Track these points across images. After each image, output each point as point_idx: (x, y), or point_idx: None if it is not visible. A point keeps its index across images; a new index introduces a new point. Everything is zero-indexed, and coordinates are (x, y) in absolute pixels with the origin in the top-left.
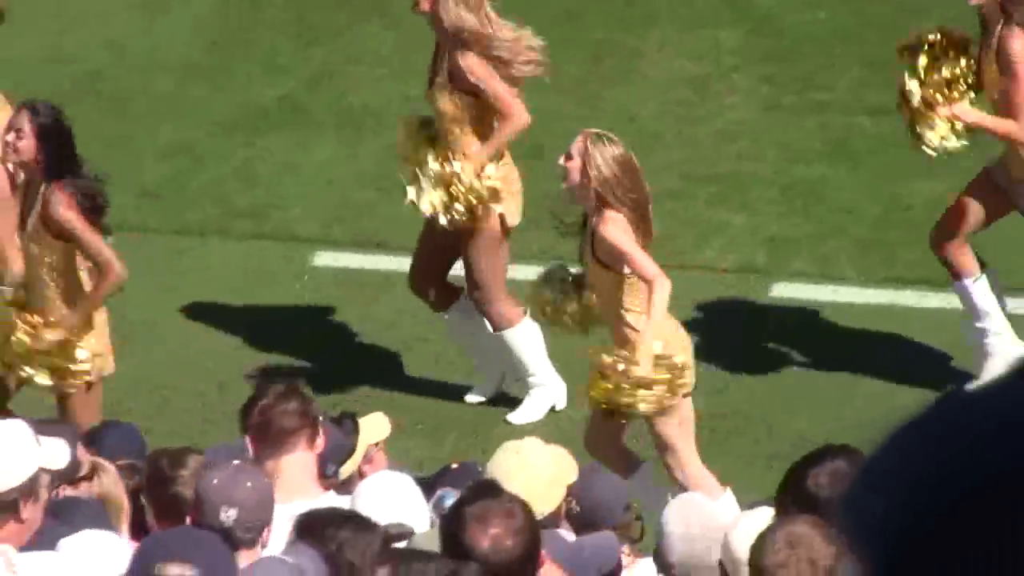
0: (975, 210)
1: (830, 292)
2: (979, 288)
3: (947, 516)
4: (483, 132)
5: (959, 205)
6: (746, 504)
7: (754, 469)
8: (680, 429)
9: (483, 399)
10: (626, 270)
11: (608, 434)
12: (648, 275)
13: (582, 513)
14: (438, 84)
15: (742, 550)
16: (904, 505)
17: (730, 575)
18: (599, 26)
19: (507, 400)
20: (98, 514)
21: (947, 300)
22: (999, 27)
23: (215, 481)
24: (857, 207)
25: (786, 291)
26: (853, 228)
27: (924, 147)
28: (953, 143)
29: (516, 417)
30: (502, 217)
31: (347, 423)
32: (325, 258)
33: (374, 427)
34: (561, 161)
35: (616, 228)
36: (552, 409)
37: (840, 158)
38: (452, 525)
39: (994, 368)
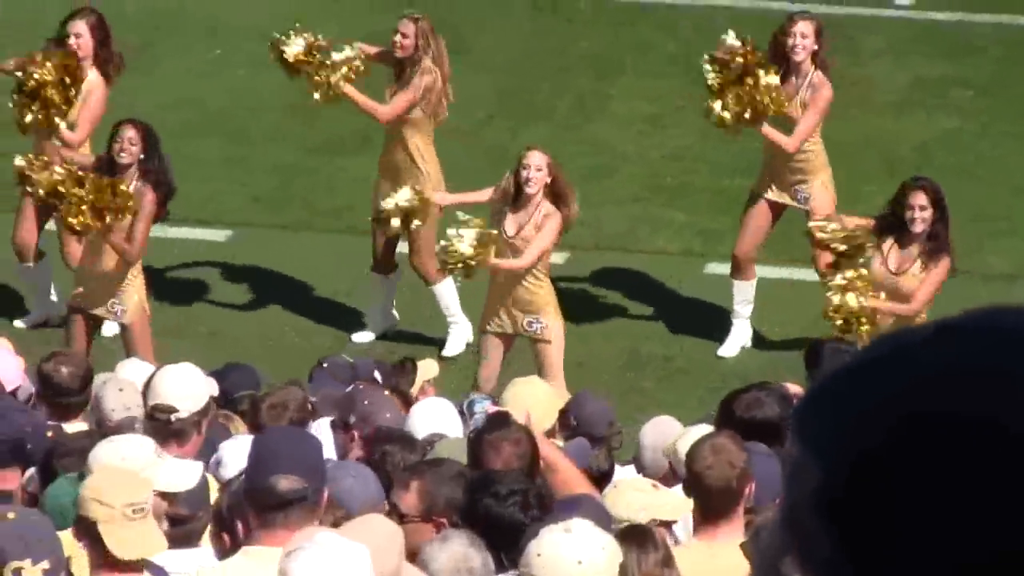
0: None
1: None
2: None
3: (895, 432)
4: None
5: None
6: (690, 421)
7: (694, 396)
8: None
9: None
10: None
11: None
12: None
13: (577, 426)
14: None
15: (684, 454)
16: (856, 420)
17: (676, 471)
18: (582, 76)
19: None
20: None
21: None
22: (811, 74)
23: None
24: None
25: (716, 269)
26: None
27: (716, 117)
28: (727, 117)
29: (447, 351)
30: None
31: (408, 365)
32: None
33: (427, 368)
34: (530, 172)
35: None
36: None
37: (754, 173)
38: (475, 449)
39: None
